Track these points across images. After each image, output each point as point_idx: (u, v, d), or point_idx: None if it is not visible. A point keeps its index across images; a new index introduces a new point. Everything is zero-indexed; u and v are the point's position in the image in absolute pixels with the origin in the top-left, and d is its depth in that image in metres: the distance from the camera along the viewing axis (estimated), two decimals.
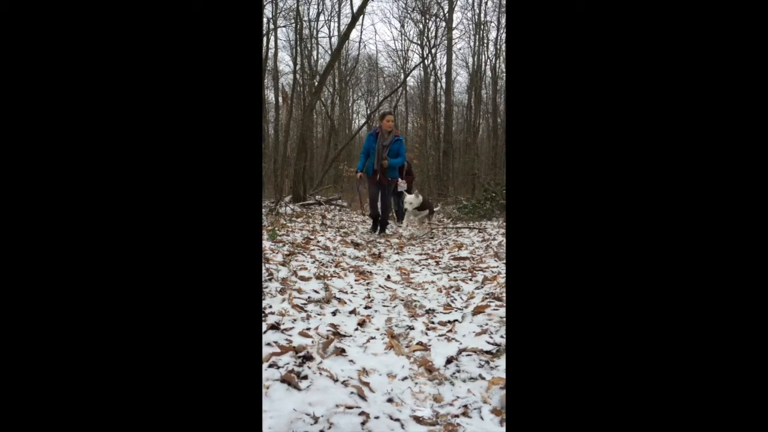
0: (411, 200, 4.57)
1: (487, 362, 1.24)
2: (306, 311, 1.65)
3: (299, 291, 1.89)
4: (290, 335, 1.35)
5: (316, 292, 1.93)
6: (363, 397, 1.04)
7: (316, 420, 0.91)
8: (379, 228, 4.65)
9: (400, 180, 4.96)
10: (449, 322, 1.63)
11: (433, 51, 14.73)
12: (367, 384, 1.11)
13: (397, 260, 3.19)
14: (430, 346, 1.39)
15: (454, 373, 1.20)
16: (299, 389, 1.02)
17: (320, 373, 1.11)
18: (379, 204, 4.62)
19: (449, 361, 1.26)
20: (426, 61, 14.77)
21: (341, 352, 1.28)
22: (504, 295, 1.87)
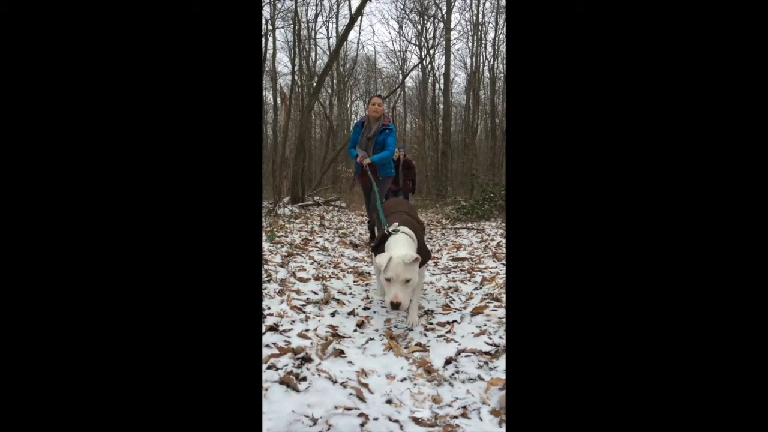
0: (398, 268, 1.47)
1: (486, 363, 1.24)
2: (305, 312, 1.64)
3: (298, 292, 1.88)
4: (289, 336, 1.35)
5: (314, 293, 1.93)
6: (362, 399, 1.03)
7: (315, 421, 0.91)
8: (374, 237, 3.66)
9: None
10: (448, 322, 1.63)
11: (431, 52, 14.76)
12: (366, 385, 1.11)
13: None
14: (428, 347, 1.39)
15: (453, 374, 1.20)
16: (298, 391, 1.02)
17: (319, 375, 1.11)
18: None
19: (448, 362, 1.26)
20: (424, 62, 14.80)
21: (340, 353, 1.28)
22: (502, 295, 1.87)
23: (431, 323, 1.65)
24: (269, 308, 1.62)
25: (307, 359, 1.19)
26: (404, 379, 1.17)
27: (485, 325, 1.54)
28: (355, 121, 3.75)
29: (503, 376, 1.15)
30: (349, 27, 8.18)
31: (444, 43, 13.96)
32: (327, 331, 1.46)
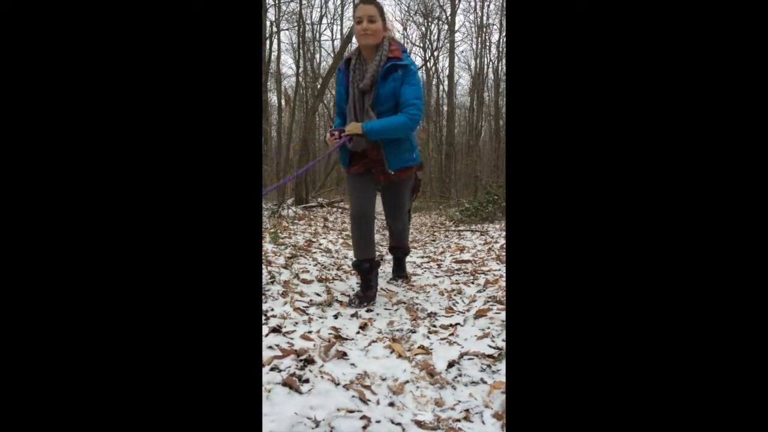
0: None
1: (489, 366, 1.24)
2: (308, 314, 1.64)
3: (301, 294, 1.89)
4: (292, 338, 1.35)
5: (318, 294, 1.93)
6: (364, 401, 1.03)
7: (317, 424, 0.91)
8: (368, 289, 1.87)
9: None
10: (451, 325, 1.63)
11: (435, 54, 14.77)
12: (368, 387, 1.11)
13: None
14: (431, 349, 1.39)
15: (455, 377, 1.20)
16: (300, 393, 1.02)
17: (322, 377, 1.11)
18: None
19: (451, 364, 1.26)
20: (428, 63, 14.81)
21: (343, 355, 1.28)
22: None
23: (434, 326, 1.65)
24: (272, 309, 1.62)
25: (309, 361, 1.19)
26: (407, 382, 1.17)
27: (488, 327, 1.53)
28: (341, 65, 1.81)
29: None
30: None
31: (448, 44, 13.97)
32: (330, 333, 1.46)
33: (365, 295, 1.86)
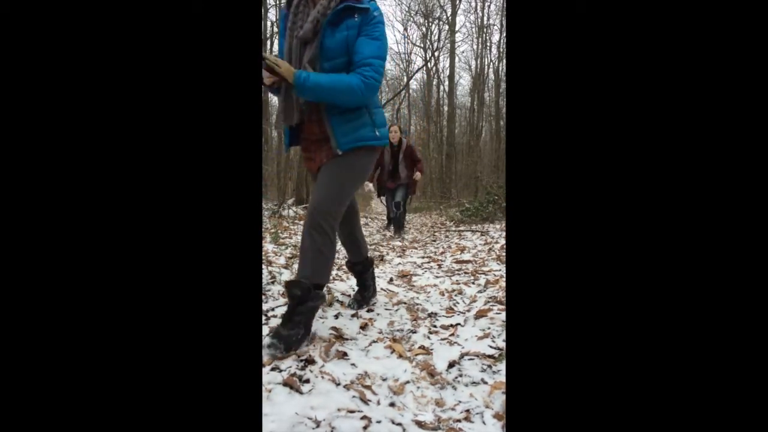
0: None
1: (490, 366, 1.24)
2: None
3: None
4: None
5: None
6: (365, 401, 1.03)
7: (317, 424, 0.91)
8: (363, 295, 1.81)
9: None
10: (451, 325, 1.63)
11: (436, 54, 14.79)
12: (369, 387, 1.11)
13: (400, 263, 3.18)
14: (432, 349, 1.39)
15: (456, 377, 1.20)
16: (301, 393, 1.02)
17: (322, 377, 1.11)
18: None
19: (451, 365, 1.26)
20: (429, 64, 14.82)
21: (343, 355, 1.28)
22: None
23: (435, 326, 1.64)
24: (273, 310, 1.62)
25: (310, 361, 1.19)
26: (407, 382, 1.17)
27: (489, 328, 1.53)
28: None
29: None
30: None
31: (449, 45, 13.99)
32: (330, 333, 1.46)
33: (364, 297, 1.91)
